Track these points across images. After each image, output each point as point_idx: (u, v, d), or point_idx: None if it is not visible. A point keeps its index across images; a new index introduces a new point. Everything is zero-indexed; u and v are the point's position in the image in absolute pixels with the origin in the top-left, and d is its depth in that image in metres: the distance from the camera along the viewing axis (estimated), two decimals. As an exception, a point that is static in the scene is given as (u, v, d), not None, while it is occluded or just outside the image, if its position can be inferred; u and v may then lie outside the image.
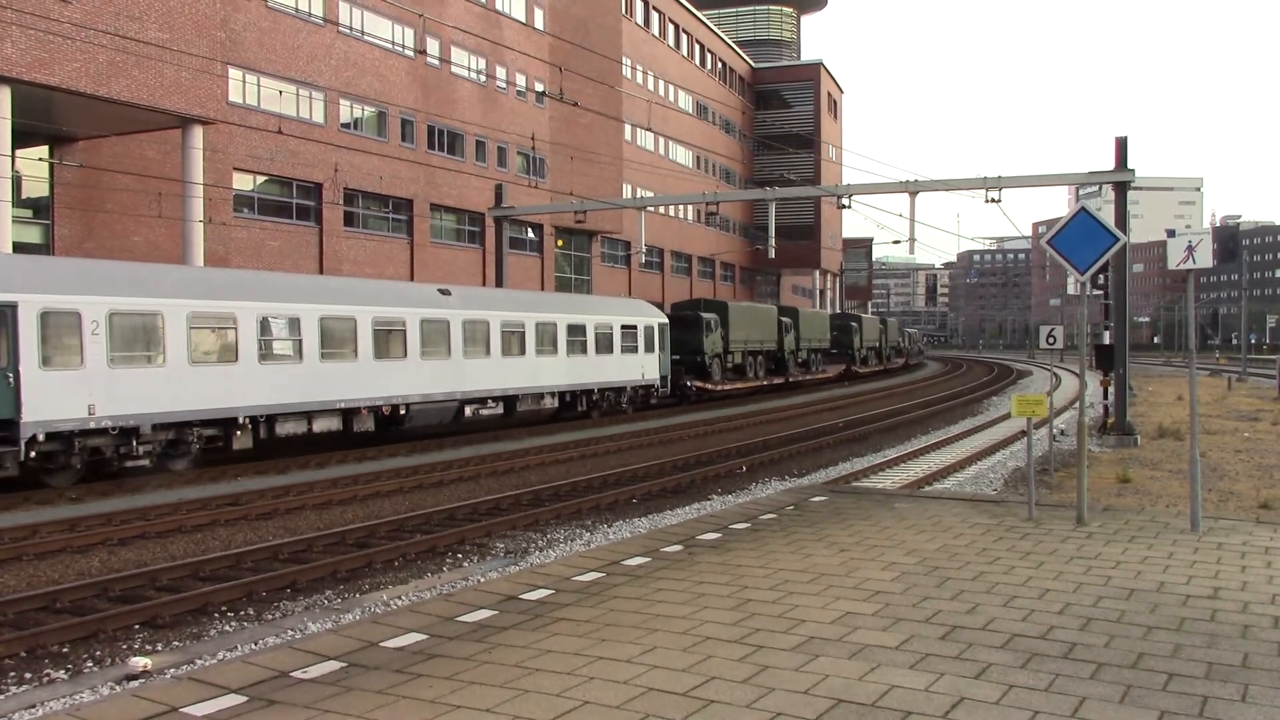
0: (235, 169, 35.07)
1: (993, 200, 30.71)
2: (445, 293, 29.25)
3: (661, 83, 68.18)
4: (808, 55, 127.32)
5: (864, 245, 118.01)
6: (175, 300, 21.34)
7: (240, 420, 22.65)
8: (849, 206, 34.20)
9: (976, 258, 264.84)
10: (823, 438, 28.70)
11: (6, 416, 18.43)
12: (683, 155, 71.68)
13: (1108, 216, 15.12)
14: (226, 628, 10.89)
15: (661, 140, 67.22)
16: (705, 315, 45.66)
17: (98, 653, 10.02)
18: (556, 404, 33.30)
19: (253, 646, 9.80)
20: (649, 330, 38.30)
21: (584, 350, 34.21)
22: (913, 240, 34.00)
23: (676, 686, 6.21)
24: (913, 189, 32.26)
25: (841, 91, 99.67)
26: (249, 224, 35.82)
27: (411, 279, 42.93)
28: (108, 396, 19.87)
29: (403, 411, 26.81)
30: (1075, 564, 9.52)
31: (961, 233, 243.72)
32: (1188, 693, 6.09)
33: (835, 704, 5.89)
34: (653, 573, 9.32)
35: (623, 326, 36.61)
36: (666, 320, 40.16)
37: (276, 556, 13.91)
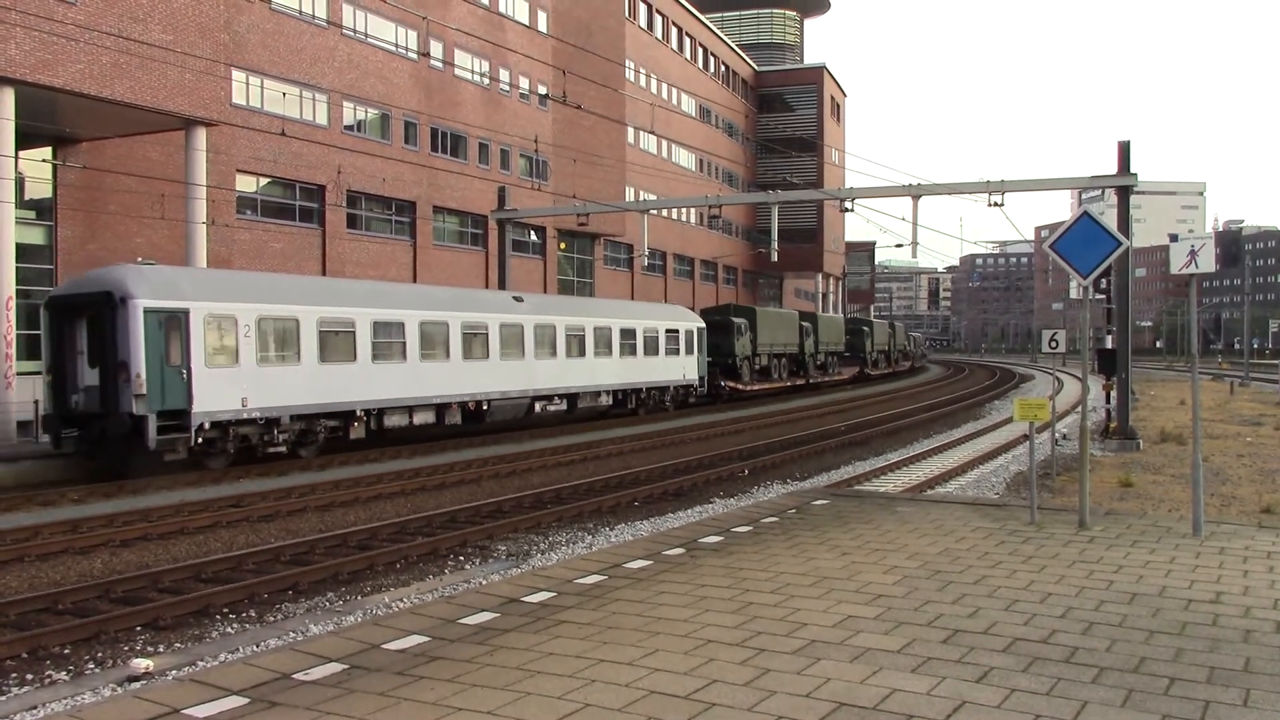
0: (238, 171, 35.10)
1: (995, 204, 30.71)
2: (519, 299, 32.68)
3: (664, 86, 68.21)
4: (811, 59, 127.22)
5: (866, 248, 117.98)
6: (308, 307, 24.53)
7: (357, 413, 25.76)
8: (851, 210, 34.19)
9: (979, 261, 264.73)
10: (828, 440, 28.70)
11: (180, 407, 21.42)
12: (685, 158, 71.68)
13: (1110, 221, 15.12)
14: (228, 629, 10.89)
15: (664, 143, 67.23)
16: (736, 320, 48.52)
17: (99, 654, 10.03)
18: (610, 401, 36.46)
19: (254, 648, 9.81)
20: (689, 334, 41.66)
21: (634, 352, 37.60)
22: (915, 244, 33.95)
23: (678, 689, 6.21)
24: (915, 193, 32.25)
25: (844, 95, 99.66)
26: (252, 226, 35.86)
27: (414, 281, 42.95)
28: (257, 391, 22.96)
29: (485, 407, 29.81)
30: (1077, 568, 9.51)
31: (964, 236, 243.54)
32: (1189, 697, 6.09)
33: (837, 707, 5.89)
34: (654, 575, 9.32)
35: (666, 330, 39.96)
36: (704, 325, 43.29)
37: (278, 558, 13.91)
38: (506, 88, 48.88)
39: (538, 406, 32.25)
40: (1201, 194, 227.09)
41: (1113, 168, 29.31)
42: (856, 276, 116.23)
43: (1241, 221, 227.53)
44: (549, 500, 18.75)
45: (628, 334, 37.24)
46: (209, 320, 21.98)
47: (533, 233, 51.74)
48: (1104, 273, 19.32)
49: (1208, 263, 11.39)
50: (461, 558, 14.32)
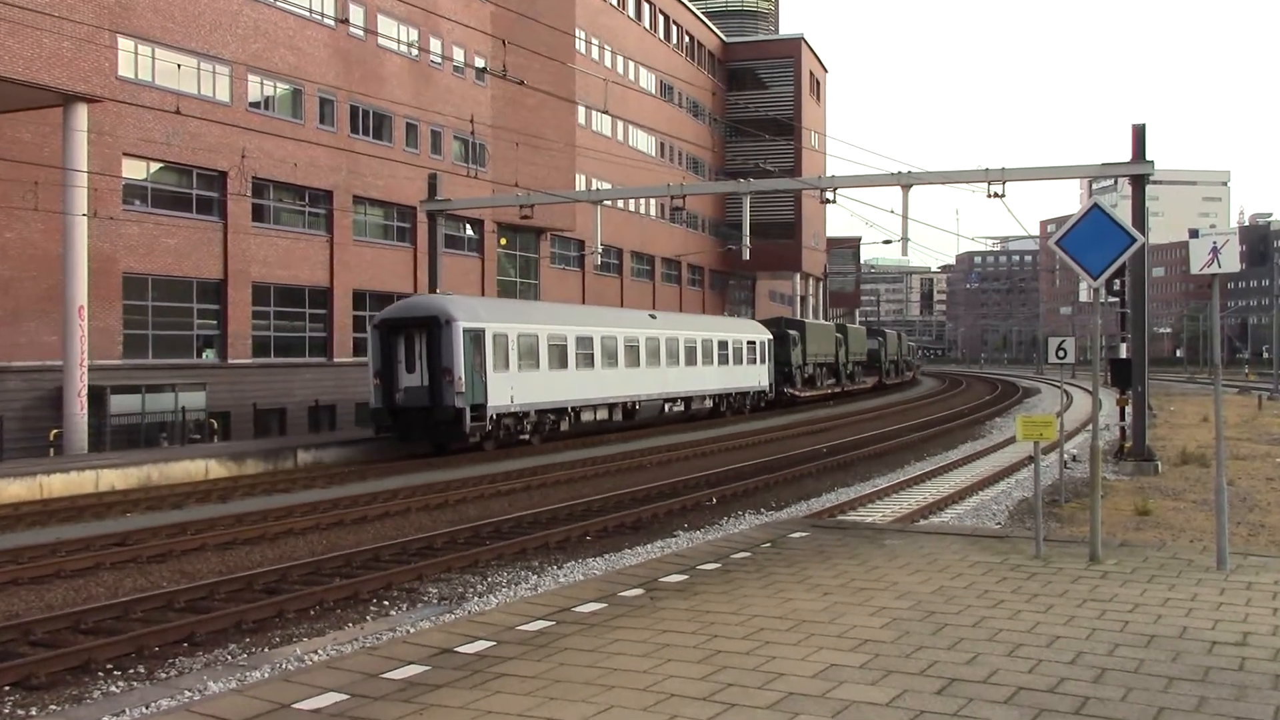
0: (125, 155, 34.72)
1: (995, 195, 31.07)
2: (653, 317, 45.61)
3: (620, 59, 68.43)
4: (787, 29, 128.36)
5: (851, 245, 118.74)
6: (543, 325, 35.50)
7: (568, 410, 36.60)
8: (833, 201, 34.43)
9: (977, 260, 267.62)
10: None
11: (479, 402, 31.69)
12: (644, 142, 71.92)
13: (1124, 214, 15.37)
14: (113, 688, 10.75)
15: (620, 124, 67.40)
16: (790, 332, 59.61)
17: (-40, 719, 9.86)
18: (711, 405, 47.90)
19: (143, 710, 9.70)
20: (761, 345, 53.31)
21: (727, 361, 49.25)
22: (905, 240, 34.23)
23: (636, 751, 6.21)
24: (905, 182, 32.56)
25: (825, 71, 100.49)
26: (142, 218, 35.49)
27: (330, 283, 42.79)
28: (518, 391, 33.51)
29: (637, 407, 41.29)
30: (1088, 607, 9.63)
31: (961, 232, 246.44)
32: (1214, 753, 6.17)
33: (817, 769, 5.91)
34: (609, 620, 9.32)
35: (747, 342, 51.58)
36: (771, 337, 54.97)
37: (171, 605, 13.76)
38: (438, 60, 48.79)
39: (666, 407, 43.64)
40: (1225, 184, 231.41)
41: (1126, 154, 29.78)
42: (840, 277, 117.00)
43: (1270, 215, 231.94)
44: (487, 535, 18.73)
45: (723, 345, 48.78)
46: (495, 337, 32.48)
47: (468, 227, 51.62)
48: (1117, 273, 19.59)
49: (1231, 261, 11.60)
50: (386, 602, 14.25)
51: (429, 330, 31.32)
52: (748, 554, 12.43)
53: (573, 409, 36.75)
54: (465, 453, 31.59)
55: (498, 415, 32.44)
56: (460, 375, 30.78)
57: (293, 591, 14.38)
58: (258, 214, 40.03)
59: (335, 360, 43.21)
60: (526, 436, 34.36)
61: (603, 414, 38.78)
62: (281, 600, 13.71)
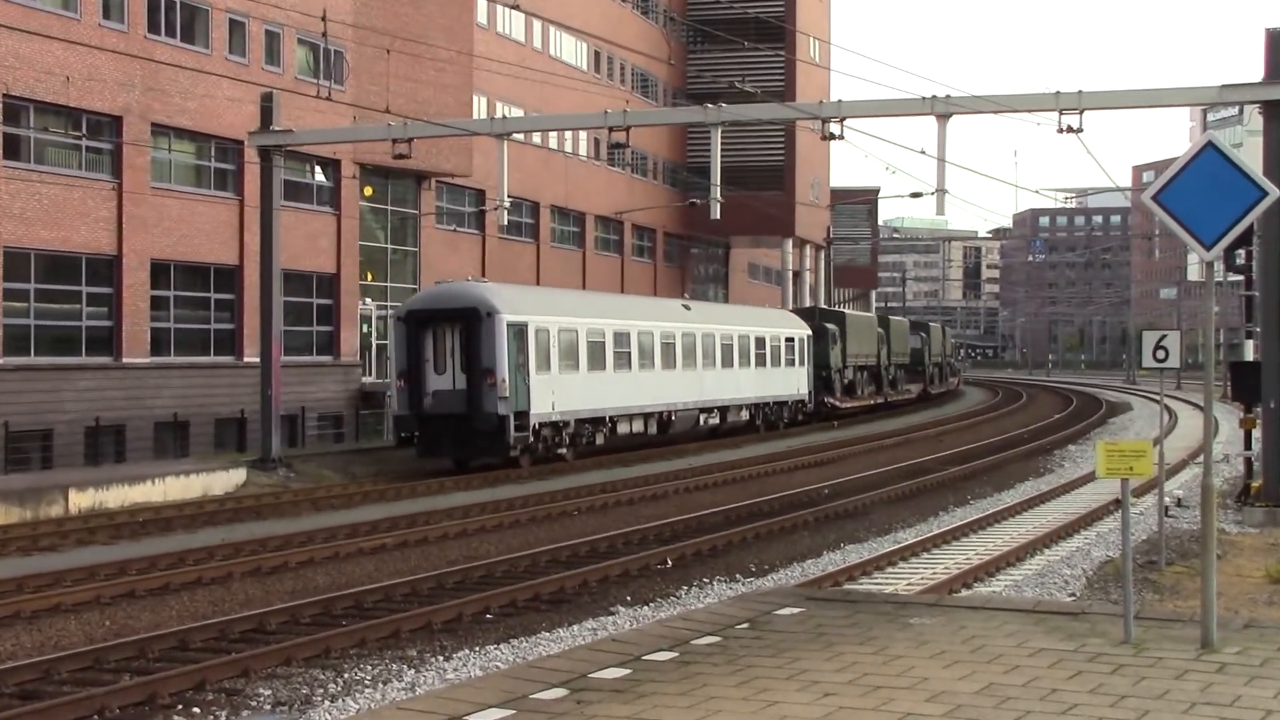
0: None
1: (1069, 130, 31.26)
2: (687, 308, 53.63)
3: (537, -69, 68.40)
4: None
5: (866, 199, 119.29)
6: (580, 319, 42.04)
7: (605, 419, 42.88)
8: (841, 137, 34.41)
9: (1044, 222, 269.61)
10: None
11: (523, 409, 37.25)
12: (572, 50, 71.95)
13: (1252, 157, 15.51)
14: None
15: (538, 26, 67.38)
16: (829, 327, 66.31)
17: None
18: (747, 416, 54.74)
19: None
20: (800, 343, 60.09)
21: (764, 363, 56.16)
22: (942, 192, 34.36)
23: None
24: (943, 110, 32.69)
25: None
26: None
27: (119, 248, 42.38)
28: (559, 396, 39.36)
29: (673, 418, 47.66)
30: (1199, 714, 9.69)
31: (1020, 183, 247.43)
32: None
33: None
34: (517, 735, 9.30)
35: (785, 339, 58.35)
36: (810, 332, 61.57)
37: (-120, 716, 13.62)
38: (276, -71, 48.50)
39: (702, 419, 50.18)
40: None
41: (1255, 73, 30.05)
42: (849, 244, 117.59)
43: None
44: (343, 612, 18.71)
45: (760, 343, 55.51)
46: (537, 332, 38.16)
47: (319, 170, 51.36)
48: (1241, 240, 19.77)
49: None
50: (196, 709, 14.19)
51: (466, 324, 36.96)
52: (716, 638, 12.44)
53: (610, 419, 43.11)
54: (493, 469, 37.43)
55: (539, 425, 38.20)
56: (504, 378, 36.39)
57: (62, 695, 14.25)
58: (11, 149, 39.58)
59: (126, 361, 42.77)
60: (564, 451, 40.62)
61: (639, 425, 45.47)
62: (43, 708, 13.61)
